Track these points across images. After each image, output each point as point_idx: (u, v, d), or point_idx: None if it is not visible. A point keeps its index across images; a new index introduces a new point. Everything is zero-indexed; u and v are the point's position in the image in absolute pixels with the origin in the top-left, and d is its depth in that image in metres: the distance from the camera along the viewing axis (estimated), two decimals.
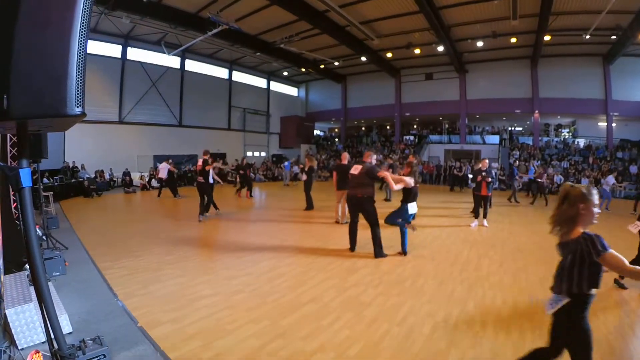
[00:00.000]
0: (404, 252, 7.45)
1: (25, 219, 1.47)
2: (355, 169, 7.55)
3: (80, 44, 1.28)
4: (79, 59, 1.28)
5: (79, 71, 1.29)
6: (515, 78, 27.15)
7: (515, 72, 27.12)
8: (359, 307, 4.83)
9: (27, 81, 1.24)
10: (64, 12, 1.26)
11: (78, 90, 1.29)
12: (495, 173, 24.42)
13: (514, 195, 17.12)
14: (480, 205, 10.81)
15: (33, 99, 1.25)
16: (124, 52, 23.75)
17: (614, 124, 25.53)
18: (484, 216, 10.68)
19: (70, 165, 19.65)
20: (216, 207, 11.82)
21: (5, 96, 1.24)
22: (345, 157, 10.72)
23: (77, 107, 1.30)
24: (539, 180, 16.72)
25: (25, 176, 1.44)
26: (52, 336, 1.75)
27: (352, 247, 7.68)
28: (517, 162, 24.26)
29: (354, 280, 5.93)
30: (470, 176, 15.04)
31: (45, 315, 1.62)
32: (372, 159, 7.63)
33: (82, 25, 1.28)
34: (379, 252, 7.29)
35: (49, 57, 1.26)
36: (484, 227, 10.49)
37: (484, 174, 10.48)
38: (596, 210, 2.57)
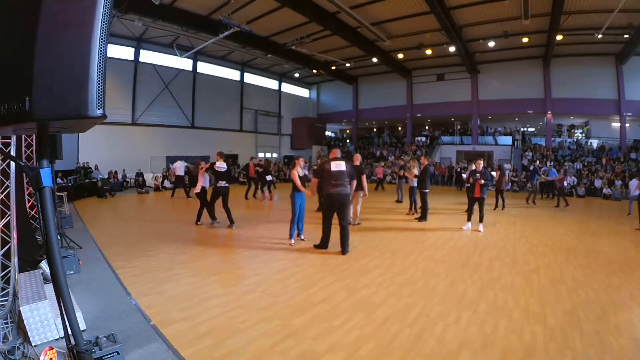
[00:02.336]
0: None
1: (46, 217, 1.51)
2: (340, 166, 7.43)
3: (101, 47, 1.32)
4: (100, 62, 1.32)
5: (99, 74, 1.33)
6: (528, 78, 26.96)
7: (527, 72, 26.94)
8: (370, 308, 4.84)
9: (49, 83, 1.28)
10: (83, 16, 1.30)
11: (99, 93, 1.33)
12: (509, 174, 24.31)
13: (533, 196, 17.01)
14: (474, 208, 10.43)
15: (55, 101, 1.28)
16: (136, 55, 24.01)
17: (627, 125, 25.23)
18: (480, 220, 10.30)
19: (84, 165, 19.86)
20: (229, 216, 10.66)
21: (27, 98, 1.27)
22: (357, 159, 10.65)
23: (99, 109, 1.33)
24: (558, 183, 16.74)
25: (45, 176, 1.48)
26: (70, 332, 1.79)
27: (326, 245, 7.80)
28: (538, 162, 23.88)
29: (365, 281, 5.94)
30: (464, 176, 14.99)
31: (63, 311, 1.65)
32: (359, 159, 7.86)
33: (102, 29, 1.31)
34: (348, 247, 7.61)
35: (70, 60, 1.29)
36: (478, 232, 10.08)
37: (477, 175, 10.12)
38: None
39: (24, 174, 7.04)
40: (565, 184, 16.53)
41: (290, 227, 8.38)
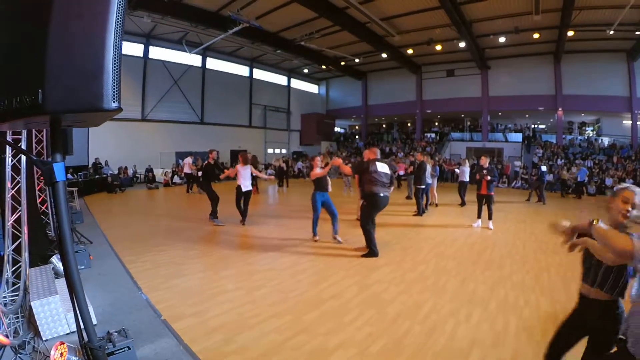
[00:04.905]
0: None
1: (59, 212, 1.49)
2: (385, 168, 7.26)
3: (116, 38, 1.30)
4: (115, 54, 1.30)
5: (115, 66, 1.31)
6: (538, 74, 26.64)
7: (538, 68, 26.62)
8: (380, 305, 4.83)
9: (63, 76, 1.26)
10: (98, 7, 1.28)
11: (114, 85, 1.31)
12: (518, 171, 24.21)
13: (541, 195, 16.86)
14: (483, 205, 10.27)
15: (69, 93, 1.26)
16: (146, 51, 24.13)
17: (638, 122, 24.79)
18: (489, 217, 10.17)
19: (96, 161, 20.01)
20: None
21: (40, 90, 1.25)
22: (376, 152, 10.49)
23: (114, 101, 1.31)
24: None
25: (59, 170, 1.46)
26: (82, 328, 1.78)
27: (376, 252, 7.23)
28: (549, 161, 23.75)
29: (376, 277, 5.93)
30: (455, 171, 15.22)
31: (76, 307, 1.64)
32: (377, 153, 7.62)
33: (118, 21, 1.30)
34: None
35: (84, 51, 1.27)
36: (489, 229, 9.98)
37: (484, 172, 9.97)
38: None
39: (35, 170, 7.10)
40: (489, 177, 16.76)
41: (313, 223, 8.30)
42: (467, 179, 14.51)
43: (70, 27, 1.25)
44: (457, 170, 16.25)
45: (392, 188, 7.50)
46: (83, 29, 1.26)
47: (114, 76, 1.30)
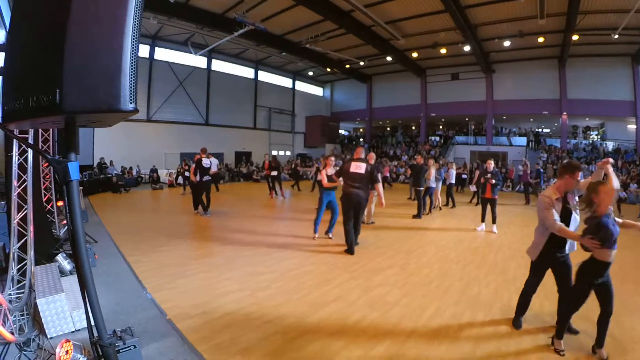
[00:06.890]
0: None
1: (73, 210, 1.52)
2: (359, 167, 7.41)
3: (133, 41, 1.32)
4: (132, 56, 1.32)
5: (132, 68, 1.33)
6: (543, 78, 26.61)
7: (542, 72, 26.59)
8: (384, 307, 4.83)
9: (80, 76, 1.27)
10: (115, 9, 1.31)
11: (131, 87, 1.33)
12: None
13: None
14: (486, 209, 10.30)
15: (86, 93, 1.28)
16: (151, 52, 24.24)
17: None
18: (493, 221, 10.12)
19: (101, 161, 20.13)
20: (207, 206, 11.69)
21: (57, 90, 1.28)
22: (372, 157, 10.49)
23: (131, 103, 1.34)
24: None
25: (73, 169, 1.49)
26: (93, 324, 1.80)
27: (353, 250, 7.46)
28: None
29: (379, 280, 5.93)
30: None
31: (87, 304, 1.66)
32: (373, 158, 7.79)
33: (135, 23, 1.32)
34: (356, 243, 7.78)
35: (102, 53, 1.29)
36: (492, 233, 9.94)
37: (488, 175, 10.01)
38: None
39: (41, 168, 7.15)
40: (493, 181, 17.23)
41: (315, 221, 8.60)
42: (454, 181, 15.78)
43: (88, 28, 1.27)
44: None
45: (375, 187, 7.72)
46: (101, 31, 1.28)
47: (131, 77, 1.33)
